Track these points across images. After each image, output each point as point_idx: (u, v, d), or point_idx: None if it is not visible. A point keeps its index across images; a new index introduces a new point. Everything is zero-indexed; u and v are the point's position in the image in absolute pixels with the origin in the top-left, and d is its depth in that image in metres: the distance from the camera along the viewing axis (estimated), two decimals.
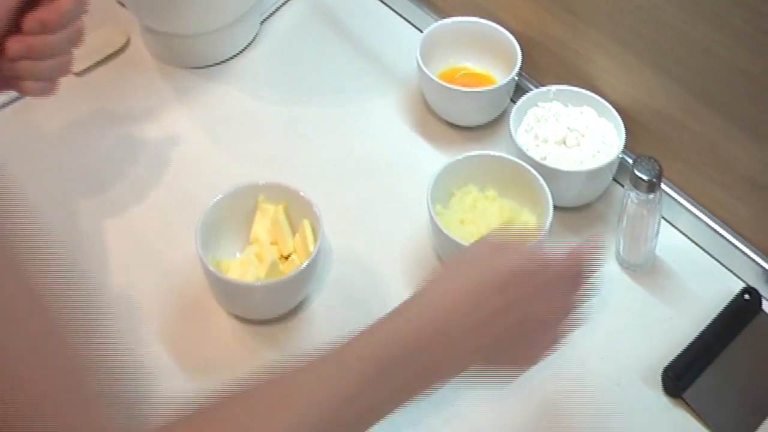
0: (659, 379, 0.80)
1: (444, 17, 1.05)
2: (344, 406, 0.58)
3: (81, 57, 0.99)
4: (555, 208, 0.86)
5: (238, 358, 0.82)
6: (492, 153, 0.91)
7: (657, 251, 0.89)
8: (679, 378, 0.79)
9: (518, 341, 0.65)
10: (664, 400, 0.80)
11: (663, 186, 0.84)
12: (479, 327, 0.61)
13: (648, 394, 0.80)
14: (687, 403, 0.79)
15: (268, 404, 0.56)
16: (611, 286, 0.87)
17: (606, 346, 0.83)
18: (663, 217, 0.88)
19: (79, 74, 1.04)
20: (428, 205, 0.86)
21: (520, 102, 0.95)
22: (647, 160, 0.83)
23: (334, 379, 0.58)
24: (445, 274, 0.66)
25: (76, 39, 0.74)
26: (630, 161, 0.93)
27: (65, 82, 0.77)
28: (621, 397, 0.80)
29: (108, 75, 1.06)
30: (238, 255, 0.87)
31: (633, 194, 0.83)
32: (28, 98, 0.87)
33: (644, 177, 0.82)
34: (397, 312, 0.62)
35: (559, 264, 0.65)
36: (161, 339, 0.83)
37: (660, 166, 0.82)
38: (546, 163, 0.90)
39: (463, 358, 0.63)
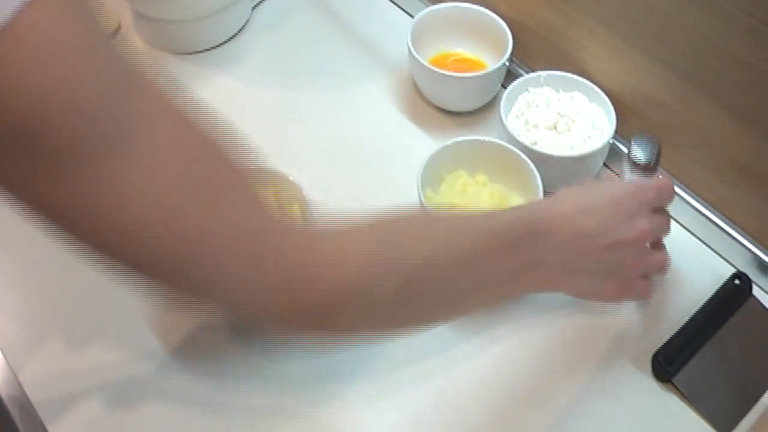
0: (649, 363, 0.80)
1: (435, 2, 1.04)
2: (471, 258, 0.66)
3: None
4: (545, 193, 0.85)
5: (227, 341, 0.82)
6: (482, 138, 0.90)
7: None
8: (670, 363, 0.79)
9: (609, 272, 0.75)
10: (654, 385, 0.80)
11: None
12: (582, 238, 0.71)
13: (638, 378, 0.80)
14: (677, 388, 0.79)
15: (414, 233, 0.65)
16: None
17: (596, 330, 0.83)
18: None
19: None
20: (418, 189, 0.85)
21: (510, 87, 0.95)
22: (646, 141, 0.80)
23: (467, 230, 0.67)
24: (554, 196, 0.74)
25: None
26: (621, 146, 0.93)
27: None
28: (611, 382, 0.80)
29: None
30: None
31: (628, 176, 0.82)
32: None
33: (642, 158, 0.79)
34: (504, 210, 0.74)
35: (651, 186, 0.75)
36: (153, 322, 0.83)
37: (659, 146, 0.80)
38: (536, 148, 0.89)
39: (559, 272, 0.72)
